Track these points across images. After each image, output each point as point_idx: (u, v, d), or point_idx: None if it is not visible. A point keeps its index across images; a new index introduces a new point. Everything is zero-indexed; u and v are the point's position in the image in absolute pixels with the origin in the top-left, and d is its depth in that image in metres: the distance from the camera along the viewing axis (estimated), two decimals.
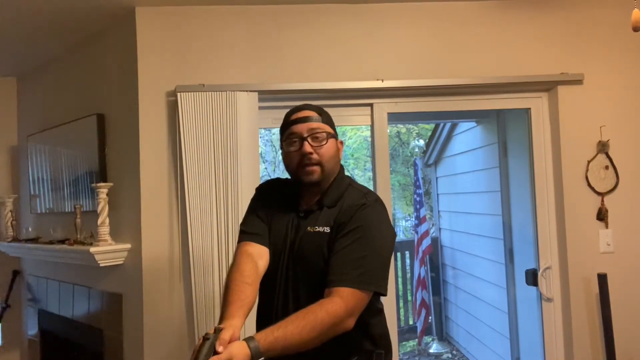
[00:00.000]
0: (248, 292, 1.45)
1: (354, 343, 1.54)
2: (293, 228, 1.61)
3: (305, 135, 1.56)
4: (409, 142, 9.61)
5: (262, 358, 1.30)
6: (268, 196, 1.72)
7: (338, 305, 1.39)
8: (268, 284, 1.59)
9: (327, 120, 1.63)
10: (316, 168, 1.56)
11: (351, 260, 1.46)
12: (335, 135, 1.64)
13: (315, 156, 1.55)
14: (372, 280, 1.47)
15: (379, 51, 2.61)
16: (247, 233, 1.64)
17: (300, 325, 1.34)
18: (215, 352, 1.25)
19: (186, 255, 2.46)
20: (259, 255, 1.58)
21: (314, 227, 1.56)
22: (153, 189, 2.53)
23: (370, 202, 1.56)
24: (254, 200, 1.75)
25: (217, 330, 1.31)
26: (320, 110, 1.63)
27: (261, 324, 1.64)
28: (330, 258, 1.49)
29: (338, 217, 1.54)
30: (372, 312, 1.59)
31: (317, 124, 1.58)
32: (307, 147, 1.55)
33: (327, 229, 1.54)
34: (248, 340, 1.29)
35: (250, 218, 1.68)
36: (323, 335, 1.38)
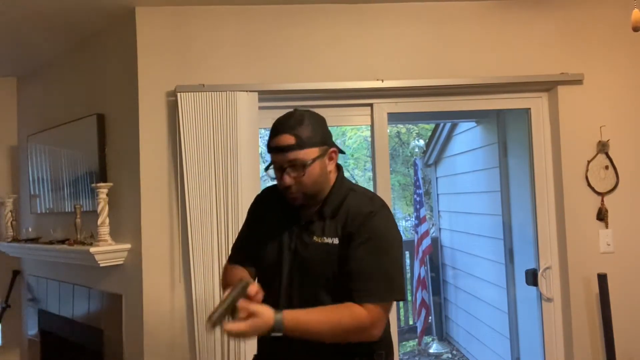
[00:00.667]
0: (245, 274, 1.62)
1: (354, 344, 1.53)
2: (295, 237, 1.58)
3: (285, 166, 1.50)
4: (409, 142, 9.61)
5: (280, 334, 1.40)
6: (265, 206, 1.73)
7: (364, 316, 1.43)
8: (269, 293, 1.58)
9: (310, 137, 1.49)
10: (298, 196, 1.53)
11: (372, 273, 1.46)
12: (320, 153, 1.52)
13: (294, 187, 1.51)
14: (394, 291, 1.49)
15: (379, 51, 2.61)
16: (232, 256, 1.76)
17: (324, 320, 1.42)
18: (246, 297, 1.41)
19: (186, 255, 2.46)
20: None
21: (321, 238, 1.53)
22: (153, 189, 2.53)
23: (377, 208, 1.53)
24: (248, 213, 1.78)
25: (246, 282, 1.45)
26: (298, 132, 1.48)
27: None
28: (345, 269, 1.48)
29: (346, 227, 1.51)
30: None
31: (295, 155, 1.48)
32: (287, 181, 1.51)
33: (335, 241, 1.52)
34: (276, 311, 1.40)
35: (241, 237, 1.78)
36: (342, 336, 1.45)
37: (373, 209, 1.52)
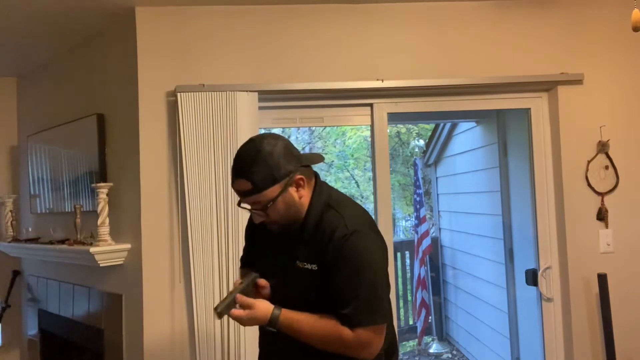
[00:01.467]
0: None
1: None
2: (279, 257, 1.59)
3: (250, 208, 1.52)
4: (409, 142, 9.61)
5: (275, 330, 1.49)
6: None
7: (351, 338, 1.44)
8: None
9: (264, 179, 1.43)
10: (273, 226, 1.55)
11: (355, 298, 1.44)
12: (282, 189, 1.46)
13: (266, 220, 1.52)
14: (380, 312, 1.48)
15: (379, 51, 2.61)
16: (243, 260, 1.85)
17: (315, 327, 1.47)
18: (255, 288, 1.56)
19: (186, 255, 2.46)
20: None
21: (303, 263, 1.52)
22: (153, 189, 2.53)
23: (350, 231, 1.45)
24: (247, 227, 1.80)
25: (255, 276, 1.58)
26: (252, 177, 1.43)
27: (260, 333, 1.70)
28: (331, 296, 1.47)
29: (324, 253, 1.47)
30: None
31: (254, 199, 1.46)
32: (256, 219, 1.53)
33: (314, 267, 1.50)
34: (276, 307, 1.49)
35: (245, 244, 1.83)
36: (327, 348, 1.48)
37: (347, 232, 1.45)
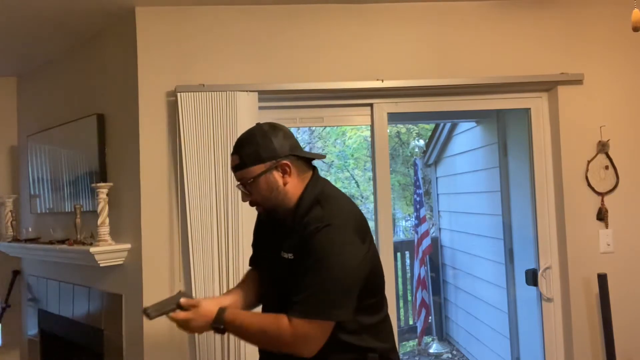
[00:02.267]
0: (244, 285, 1.79)
1: (349, 347, 1.53)
2: (271, 250, 1.63)
3: (239, 185, 1.60)
4: (409, 142, 9.60)
5: (222, 326, 1.52)
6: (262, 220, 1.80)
7: (285, 327, 1.43)
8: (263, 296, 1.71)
9: (250, 155, 1.53)
10: (259, 208, 1.64)
11: (305, 289, 1.43)
12: (266, 169, 1.53)
13: (252, 200, 1.61)
14: (325, 309, 1.42)
15: (379, 51, 2.61)
16: (251, 260, 1.86)
17: (255, 322, 1.50)
18: (179, 306, 1.58)
19: (186, 255, 2.46)
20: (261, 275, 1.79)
21: (285, 253, 1.54)
22: (153, 189, 2.53)
23: (325, 223, 1.46)
24: (256, 222, 1.83)
25: (184, 293, 1.65)
26: (241, 152, 1.55)
27: None
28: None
29: (300, 242, 1.49)
30: (352, 330, 1.52)
31: (240, 174, 1.57)
32: (243, 198, 1.63)
33: (291, 256, 1.52)
34: (222, 308, 1.54)
35: (253, 240, 1.86)
36: (269, 345, 1.50)
37: (320, 225, 1.45)
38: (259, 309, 1.73)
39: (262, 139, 1.55)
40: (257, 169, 1.54)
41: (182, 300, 1.57)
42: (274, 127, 1.59)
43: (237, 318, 1.52)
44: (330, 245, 1.44)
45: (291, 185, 1.56)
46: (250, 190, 1.57)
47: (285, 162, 1.55)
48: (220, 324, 1.51)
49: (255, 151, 1.54)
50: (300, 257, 1.49)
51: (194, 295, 2.41)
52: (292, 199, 1.56)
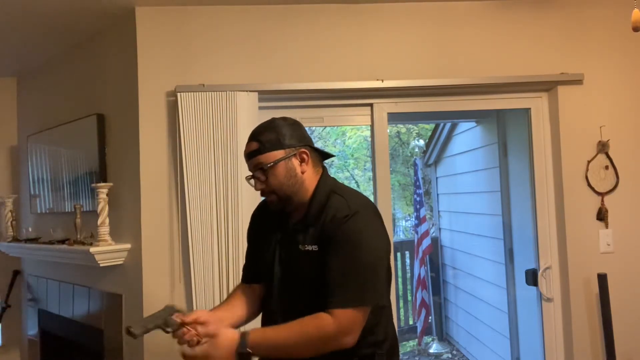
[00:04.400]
0: (233, 302, 1.69)
1: (352, 347, 1.51)
2: (283, 246, 1.60)
3: (253, 172, 1.58)
4: (409, 142, 9.60)
5: (249, 350, 1.40)
6: (259, 219, 1.76)
7: (328, 322, 1.41)
8: (267, 304, 1.62)
9: (271, 140, 1.55)
10: (272, 197, 1.58)
11: (342, 279, 1.44)
12: (285, 155, 1.55)
13: (265, 189, 1.57)
14: (364, 295, 1.45)
15: (379, 51, 2.61)
16: (243, 275, 1.78)
17: (291, 332, 1.42)
18: (166, 324, 1.49)
19: (186, 255, 2.46)
20: (251, 292, 1.71)
21: (304, 246, 1.53)
22: (153, 189, 2.53)
23: (353, 212, 1.49)
24: (248, 229, 1.80)
25: (171, 308, 1.51)
26: (261, 137, 1.56)
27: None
28: (323, 276, 1.47)
29: (324, 233, 1.50)
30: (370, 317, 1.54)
31: (257, 159, 1.55)
32: (256, 186, 1.58)
33: (315, 247, 1.51)
34: (243, 332, 1.43)
35: (246, 255, 1.79)
36: (312, 347, 1.43)
37: (349, 213, 1.49)
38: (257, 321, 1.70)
39: (283, 128, 1.57)
40: (277, 154, 1.54)
41: (200, 329, 1.43)
42: (294, 120, 1.63)
43: (266, 336, 1.44)
44: (362, 232, 1.47)
45: (307, 175, 1.58)
46: (266, 177, 1.54)
47: (304, 150, 1.58)
48: (245, 348, 1.41)
49: (276, 137, 1.55)
50: (326, 247, 1.48)
51: (193, 295, 2.41)
52: (307, 190, 1.58)
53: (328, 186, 1.59)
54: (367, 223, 1.51)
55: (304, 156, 1.57)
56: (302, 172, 1.57)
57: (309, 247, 1.52)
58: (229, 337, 1.43)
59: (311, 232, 1.53)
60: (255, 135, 1.58)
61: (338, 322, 1.41)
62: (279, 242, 1.62)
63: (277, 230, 1.63)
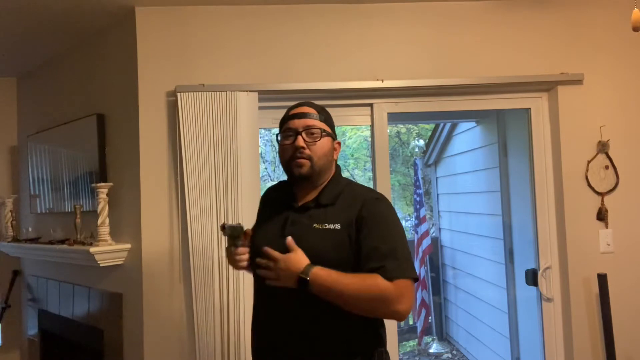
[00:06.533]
0: None
1: (355, 342, 1.54)
2: (290, 224, 1.61)
3: (300, 130, 1.61)
4: (409, 142, 9.60)
5: (308, 279, 1.44)
6: (265, 203, 1.81)
7: (389, 286, 1.45)
8: (263, 285, 1.57)
9: (326, 119, 1.67)
10: (306, 162, 1.60)
11: (394, 252, 1.50)
12: (332, 135, 1.67)
13: (306, 151, 1.60)
14: (414, 270, 1.53)
15: (379, 51, 2.61)
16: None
17: (354, 281, 1.45)
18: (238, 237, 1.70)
19: (186, 255, 2.46)
20: None
21: (322, 225, 1.57)
22: (153, 189, 2.53)
23: (380, 195, 1.63)
24: (257, 213, 1.84)
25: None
26: (319, 109, 1.67)
27: (257, 326, 1.66)
28: (364, 252, 1.51)
29: (355, 213, 1.55)
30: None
31: (313, 121, 1.62)
32: (300, 141, 1.60)
33: (337, 226, 1.55)
34: (311, 263, 1.48)
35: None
36: (368, 304, 1.46)
37: (378, 196, 1.62)
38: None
39: (330, 119, 1.71)
40: (329, 130, 1.66)
41: (269, 250, 1.50)
42: None
43: (330, 275, 1.45)
44: (393, 214, 1.61)
45: (333, 164, 1.70)
46: (315, 141, 1.60)
47: (338, 142, 1.72)
48: (307, 275, 1.44)
49: (330, 118, 1.70)
50: (358, 226, 1.54)
51: (193, 295, 2.41)
52: (329, 175, 1.67)
53: (345, 179, 1.72)
54: (393, 209, 1.64)
55: (337, 146, 1.71)
56: (334, 158, 1.70)
57: (330, 226, 1.56)
58: (301, 258, 1.48)
59: (330, 212, 1.58)
60: (312, 105, 1.67)
61: (399, 289, 1.45)
62: (285, 218, 1.64)
63: (283, 208, 1.66)
